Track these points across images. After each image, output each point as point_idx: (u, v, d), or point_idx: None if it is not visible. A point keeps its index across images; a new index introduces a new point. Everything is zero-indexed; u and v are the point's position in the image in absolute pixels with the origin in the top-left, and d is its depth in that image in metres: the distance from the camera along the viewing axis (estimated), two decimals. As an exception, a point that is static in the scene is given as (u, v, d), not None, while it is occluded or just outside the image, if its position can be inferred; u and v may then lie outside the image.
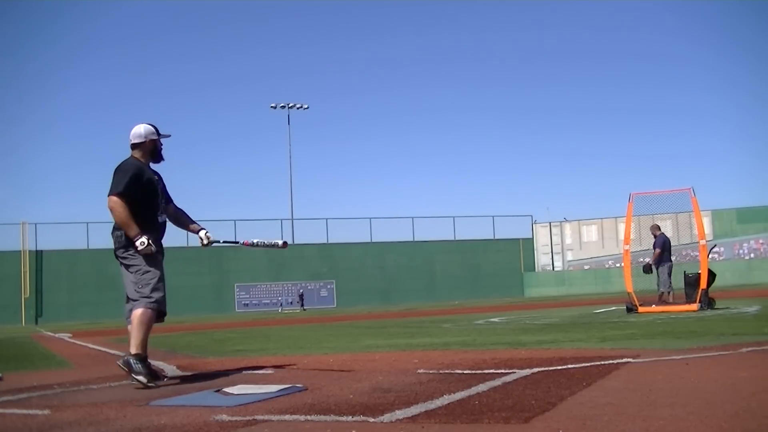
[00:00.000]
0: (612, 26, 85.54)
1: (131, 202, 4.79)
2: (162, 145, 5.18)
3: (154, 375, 4.72)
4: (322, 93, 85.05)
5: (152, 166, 5.16)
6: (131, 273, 4.81)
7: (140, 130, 5.07)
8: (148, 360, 4.75)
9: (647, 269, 13.82)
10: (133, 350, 4.62)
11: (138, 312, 4.70)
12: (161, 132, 5.18)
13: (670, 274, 13.47)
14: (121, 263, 4.87)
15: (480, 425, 2.86)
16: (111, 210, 4.78)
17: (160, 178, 5.16)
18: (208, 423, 3.18)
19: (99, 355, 8.80)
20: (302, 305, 44.88)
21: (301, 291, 47.03)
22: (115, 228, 4.87)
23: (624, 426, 2.68)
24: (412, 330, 10.85)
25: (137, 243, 4.73)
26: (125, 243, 4.81)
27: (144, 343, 4.67)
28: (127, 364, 4.58)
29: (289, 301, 48.44)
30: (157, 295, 4.76)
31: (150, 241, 4.74)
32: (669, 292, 13.28)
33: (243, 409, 3.53)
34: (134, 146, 5.07)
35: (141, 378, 4.54)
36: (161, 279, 4.85)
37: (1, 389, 4.92)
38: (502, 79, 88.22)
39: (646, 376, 4.02)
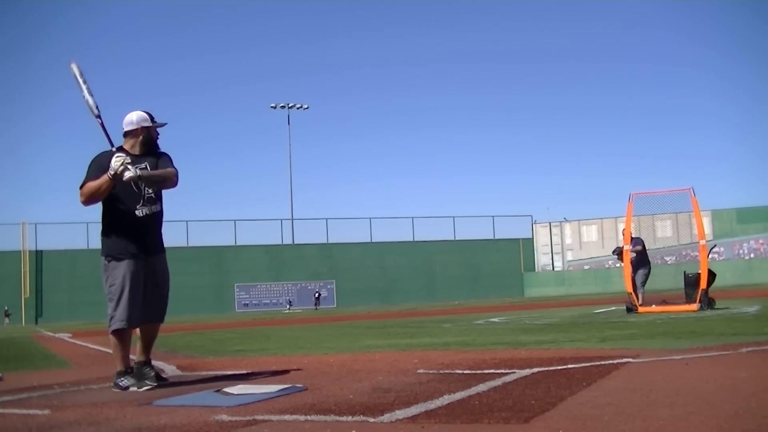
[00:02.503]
0: (612, 26, 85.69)
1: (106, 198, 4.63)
2: (158, 134, 4.89)
3: (141, 377, 4.69)
4: (322, 93, 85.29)
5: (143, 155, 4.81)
6: (104, 283, 4.70)
7: (132, 117, 4.79)
8: (132, 368, 4.73)
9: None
10: (119, 367, 4.66)
11: (109, 335, 4.69)
12: (156, 120, 4.87)
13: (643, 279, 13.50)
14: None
15: (480, 425, 2.86)
16: (86, 203, 4.61)
17: (147, 167, 4.72)
18: (208, 423, 3.18)
19: (99, 355, 8.80)
20: (317, 305, 45.26)
21: (316, 292, 47.32)
22: (101, 234, 4.77)
23: (624, 426, 2.67)
24: (412, 330, 10.85)
25: (115, 173, 4.39)
26: (102, 251, 4.73)
27: (122, 359, 4.65)
28: (116, 385, 4.62)
29: (289, 300, 48.50)
30: (121, 313, 4.58)
31: (122, 162, 4.41)
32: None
33: (243, 409, 3.52)
34: (126, 134, 4.81)
35: (133, 388, 4.54)
36: (127, 293, 4.58)
37: (1, 389, 4.92)
38: (501, 79, 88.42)
39: (646, 376, 4.01)
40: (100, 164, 4.61)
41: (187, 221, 48.32)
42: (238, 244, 49.78)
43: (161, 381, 4.80)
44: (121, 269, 4.62)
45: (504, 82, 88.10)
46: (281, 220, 52.17)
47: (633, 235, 13.77)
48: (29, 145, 77.74)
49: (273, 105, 55.43)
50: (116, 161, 4.43)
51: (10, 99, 73.25)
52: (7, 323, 41.08)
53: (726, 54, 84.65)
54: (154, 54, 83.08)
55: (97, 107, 4.71)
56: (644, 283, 13.38)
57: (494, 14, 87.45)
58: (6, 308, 43.22)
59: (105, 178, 4.48)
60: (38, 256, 45.85)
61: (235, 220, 50.38)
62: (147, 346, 4.86)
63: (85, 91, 4.73)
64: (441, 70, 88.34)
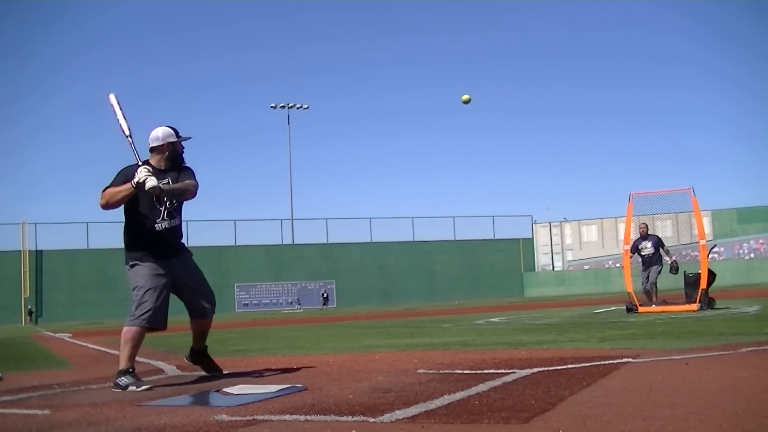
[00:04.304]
0: (612, 26, 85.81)
1: (126, 209, 4.83)
2: (183, 148, 5.03)
3: (205, 366, 5.00)
4: (322, 93, 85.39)
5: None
6: (130, 290, 4.82)
7: (158, 133, 4.93)
8: (135, 370, 4.74)
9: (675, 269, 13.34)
10: (122, 366, 4.67)
11: (123, 329, 4.76)
12: (181, 134, 5.01)
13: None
14: None
15: (480, 425, 2.86)
16: (104, 206, 4.75)
17: (170, 181, 4.88)
18: (208, 423, 3.18)
19: (99, 355, 8.80)
20: (325, 304, 45.45)
21: (324, 292, 47.49)
22: (124, 246, 4.91)
23: (624, 426, 2.67)
24: (412, 330, 10.85)
25: (140, 184, 4.57)
26: (125, 261, 4.88)
27: (128, 358, 4.69)
28: (116, 384, 4.62)
29: (290, 301, 48.49)
30: (140, 311, 4.69)
31: (147, 172, 4.57)
32: (654, 292, 13.23)
33: (243, 409, 3.53)
34: (152, 150, 4.94)
35: (132, 387, 4.54)
36: (149, 292, 4.71)
37: (1, 389, 4.92)
38: (502, 79, 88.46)
39: (646, 376, 4.01)
40: (125, 175, 4.77)
41: (187, 221, 48.06)
42: (238, 244, 49.78)
43: (217, 372, 5.18)
44: (143, 269, 4.77)
45: (504, 82, 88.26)
46: (281, 220, 52.20)
47: (649, 233, 13.66)
48: (29, 145, 77.83)
49: (273, 105, 55.45)
50: (141, 171, 4.60)
51: (10, 99, 73.33)
52: (29, 322, 41.16)
53: (726, 54, 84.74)
54: (154, 54, 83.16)
55: (129, 128, 4.88)
56: (656, 281, 13.26)
57: (494, 14, 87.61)
58: (29, 307, 43.41)
59: (128, 185, 4.66)
60: (38, 256, 45.82)
61: (235, 220, 50.40)
62: (199, 337, 5.29)
63: (121, 117, 4.89)
64: (441, 70, 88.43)
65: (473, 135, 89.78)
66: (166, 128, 4.97)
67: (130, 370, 4.66)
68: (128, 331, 4.72)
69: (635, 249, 13.43)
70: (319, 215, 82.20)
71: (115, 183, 4.77)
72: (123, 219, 4.91)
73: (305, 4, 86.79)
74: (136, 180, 4.60)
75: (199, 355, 5.33)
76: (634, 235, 13.83)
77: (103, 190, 4.77)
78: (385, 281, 50.36)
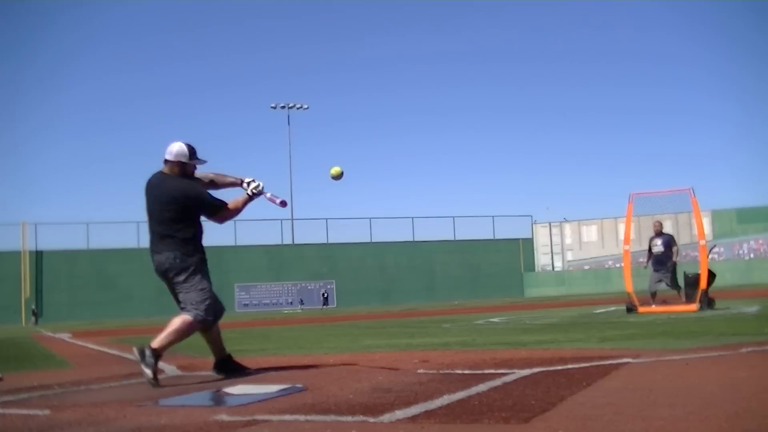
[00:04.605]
0: (612, 26, 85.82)
1: (192, 218, 5.03)
2: (195, 168, 5.12)
3: (230, 372, 5.00)
4: (322, 93, 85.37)
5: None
6: (186, 291, 4.89)
7: (173, 149, 5.02)
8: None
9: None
10: (155, 345, 4.66)
11: (183, 317, 4.82)
12: (199, 156, 5.09)
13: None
14: (174, 284, 4.94)
15: (480, 425, 2.86)
16: (227, 217, 5.10)
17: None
18: (208, 423, 3.18)
19: (99, 355, 8.80)
20: (326, 304, 45.54)
21: (324, 292, 47.59)
22: (169, 250, 4.95)
23: (624, 426, 2.67)
24: (412, 330, 10.85)
25: (258, 192, 5.08)
26: (194, 262, 4.97)
27: (166, 344, 4.72)
28: (142, 353, 4.59)
29: (290, 301, 48.49)
30: (208, 309, 4.88)
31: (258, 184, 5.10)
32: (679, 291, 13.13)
33: (243, 409, 3.52)
34: (165, 161, 5.04)
35: (147, 371, 4.53)
36: (214, 296, 4.99)
37: (1, 389, 4.92)
38: (501, 79, 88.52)
39: (646, 376, 4.01)
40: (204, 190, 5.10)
41: (187, 221, 48.20)
42: (238, 244, 49.76)
43: (248, 370, 5.20)
44: (208, 275, 5.05)
45: (504, 82, 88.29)
46: (281, 220, 52.13)
47: (663, 231, 13.55)
48: (29, 145, 77.83)
49: (273, 105, 55.47)
50: (255, 185, 5.16)
51: (10, 99, 73.34)
52: (33, 322, 41.11)
53: (726, 54, 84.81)
54: (155, 54, 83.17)
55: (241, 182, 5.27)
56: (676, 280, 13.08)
57: (494, 14, 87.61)
58: (33, 307, 43.43)
59: (245, 197, 5.15)
60: (38, 256, 45.79)
61: (235, 220, 50.34)
62: (217, 344, 5.17)
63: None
64: (440, 70, 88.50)
65: (473, 135, 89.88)
66: (182, 147, 5.02)
67: (160, 354, 4.67)
68: (185, 321, 4.79)
69: (648, 246, 13.35)
70: (319, 215, 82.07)
71: (212, 198, 5.07)
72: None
73: (305, 4, 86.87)
74: (256, 191, 5.12)
75: (224, 363, 5.25)
76: (634, 235, 13.80)
77: (214, 209, 5.05)
78: (385, 281, 50.34)
